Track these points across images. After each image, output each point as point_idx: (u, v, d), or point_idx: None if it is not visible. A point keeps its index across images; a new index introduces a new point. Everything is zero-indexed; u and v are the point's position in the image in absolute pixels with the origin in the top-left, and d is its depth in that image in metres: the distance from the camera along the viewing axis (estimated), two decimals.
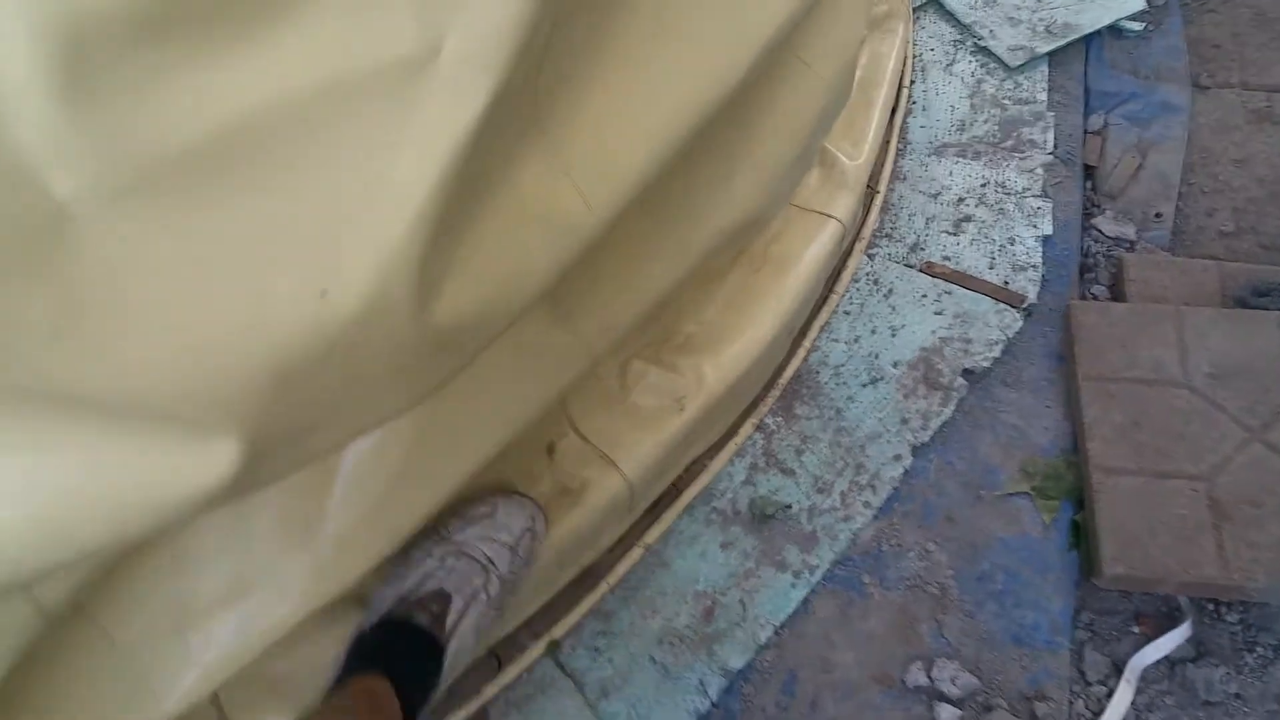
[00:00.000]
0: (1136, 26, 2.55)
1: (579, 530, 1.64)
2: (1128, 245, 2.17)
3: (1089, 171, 2.32)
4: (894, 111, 2.39)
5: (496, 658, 1.76)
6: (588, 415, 1.69)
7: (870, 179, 2.25)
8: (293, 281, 0.79)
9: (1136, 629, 1.71)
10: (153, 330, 0.76)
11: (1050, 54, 2.47)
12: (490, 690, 1.73)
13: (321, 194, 0.78)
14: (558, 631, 1.77)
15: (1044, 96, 2.40)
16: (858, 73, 2.17)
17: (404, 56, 0.75)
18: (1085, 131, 2.37)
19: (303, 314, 0.79)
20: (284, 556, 1.26)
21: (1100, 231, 2.20)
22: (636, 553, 1.84)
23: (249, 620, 1.27)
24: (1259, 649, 1.67)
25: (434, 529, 1.44)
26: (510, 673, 1.74)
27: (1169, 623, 1.70)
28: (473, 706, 1.71)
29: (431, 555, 1.41)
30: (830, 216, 1.95)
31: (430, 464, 1.30)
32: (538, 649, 1.76)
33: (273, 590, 1.27)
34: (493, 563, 1.42)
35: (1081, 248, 2.18)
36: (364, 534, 1.29)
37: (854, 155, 2.05)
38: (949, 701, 1.62)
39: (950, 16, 2.59)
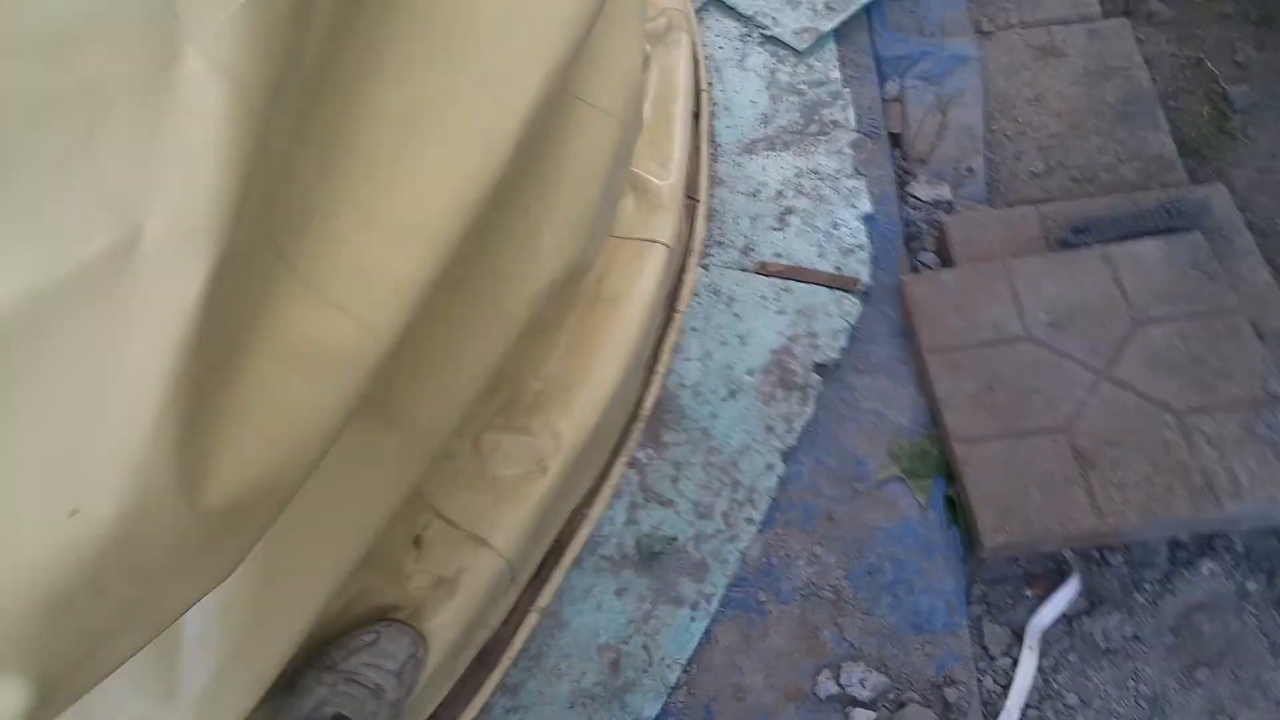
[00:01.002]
0: None
1: (465, 617, 1.59)
2: (946, 206, 2.22)
3: (895, 140, 2.36)
4: (697, 118, 2.38)
5: None
6: (449, 498, 1.64)
7: (689, 190, 2.24)
8: (38, 506, 0.72)
9: (1029, 592, 1.74)
10: None
11: (836, 30, 2.50)
12: None
13: (51, 410, 0.71)
14: (466, 716, 1.72)
15: (837, 74, 2.43)
16: (650, 90, 2.16)
17: (102, 250, 0.69)
18: (884, 100, 2.41)
19: (55, 537, 0.73)
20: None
21: (917, 198, 2.24)
22: (532, 618, 1.80)
23: None
24: (1146, 585, 1.72)
25: (320, 657, 1.42)
26: None
27: (1059, 579, 1.74)
28: None
29: (322, 683, 1.40)
30: (654, 241, 1.94)
31: (283, 604, 1.24)
32: None
33: None
34: (381, 689, 1.39)
35: (903, 218, 2.22)
36: (227, 688, 1.21)
37: (664, 175, 2.03)
38: (862, 705, 1.63)
39: (732, 11, 2.60)
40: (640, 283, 1.89)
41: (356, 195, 0.95)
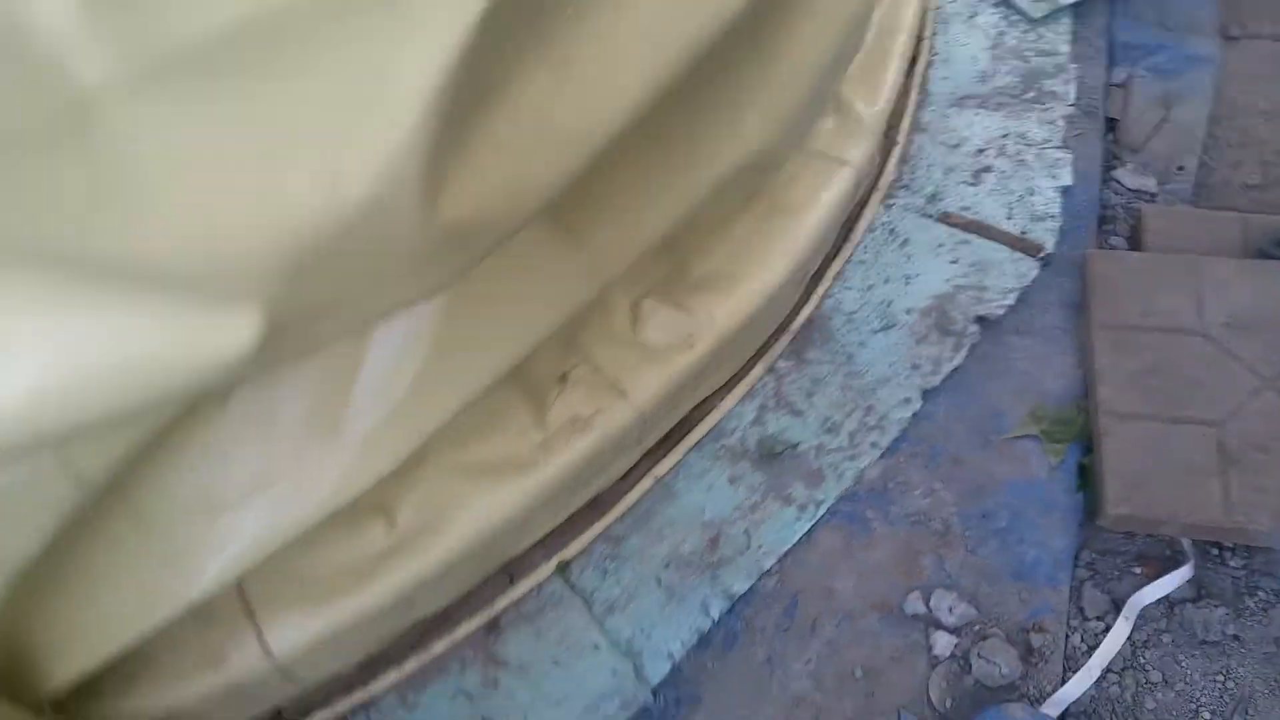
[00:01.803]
0: None
1: (589, 456, 1.70)
2: (1149, 197, 2.18)
3: (1111, 124, 2.32)
4: (914, 63, 2.40)
5: (509, 574, 1.82)
6: (600, 348, 1.74)
7: (889, 129, 2.27)
8: (306, 171, 0.84)
9: (1138, 570, 1.73)
10: (179, 209, 0.82)
11: (1074, 6, 2.47)
12: (502, 603, 1.79)
13: (331, 91, 0.83)
14: (568, 553, 1.83)
15: (1067, 49, 2.40)
16: (875, 22, 2.19)
17: None
18: (1109, 84, 2.37)
19: (316, 202, 0.85)
20: (310, 453, 1.33)
21: (1120, 183, 2.21)
22: (647, 483, 1.90)
23: (274, 512, 1.35)
24: (1260, 593, 1.69)
25: None
26: (521, 588, 1.81)
27: (1171, 566, 1.72)
28: (485, 616, 1.78)
29: None
30: (844, 162, 1.98)
31: (447, 373, 1.36)
32: (549, 568, 1.82)
33: (298, 485, 1.34)
34: None
35: (1101, 199, 2.19)
36: (385, 436, 1.35)
37: (870, 103, 2.07)
38: (945, 629, 1.66)
39: None
40: (821, 198, 1.95)
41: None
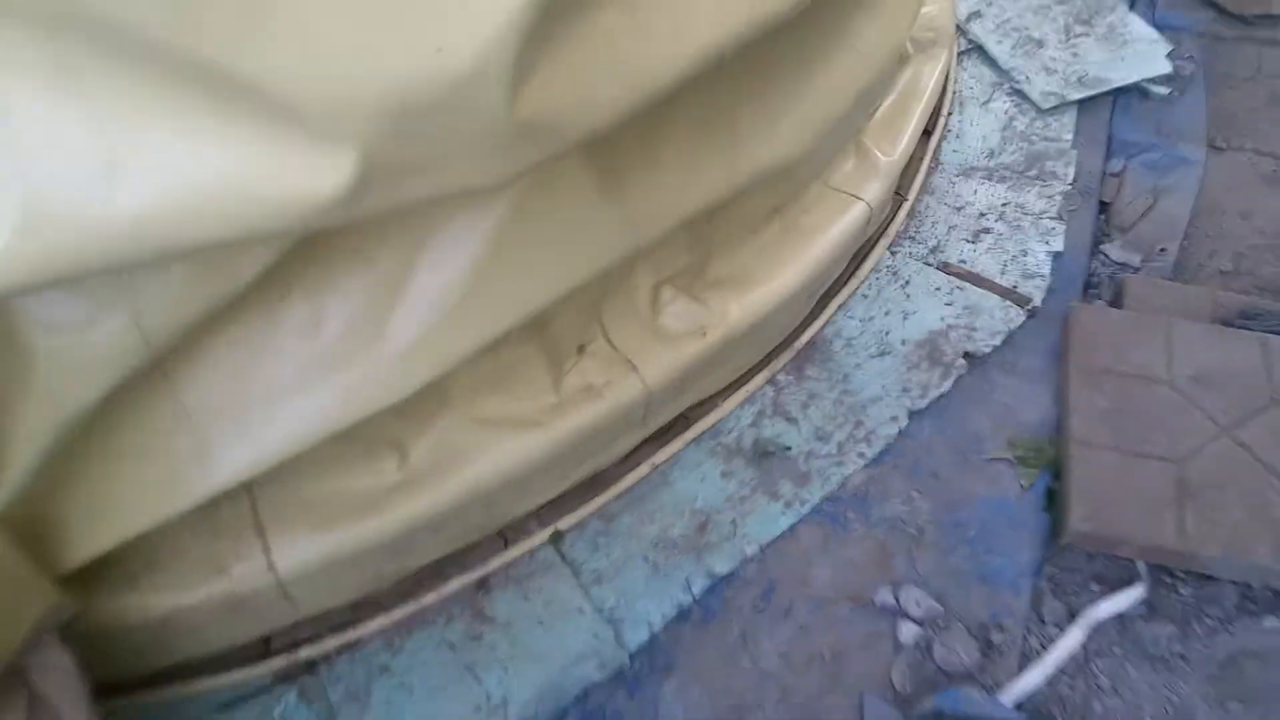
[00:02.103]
0: (1163, 91, 2.77)
1: (596, 424, 1.82)
2: (1132, 270, 2.35)
3: (1104, 207, 2.51)
4: (930, 135, 2.60)
5: (504, 537, 1.92)
6: (618, 326, 1.88)
7: (901, 188, 2.46)
8: (419, 38, 0.99)
9: (1096, 587, 1.84)
10: (311, 47, 0.97)
11: (1080, 102, 2.69)
12: (494, 563, 1.89)
13: None
14: (563, 524, 1.93)
15: (1070, 137, 2.61)
16: (898, 86, 2.40)
17: None
18: (1105, 172, 2.57)
19: (421, 67, 1.00)
20: (351, 357, 1.44)
21: (1107, 256, 2.38)
22: (645, 469, 2.01)
23: (308, 413, 1.45)
24: (1208, 619, 1.80)
25: None
26: (514, 551, 1.90)
27: (1127, 586, 1.83)
28: (476, 574, 1.87)
29: None
30: (859, 199, 2.15)
31: (484, 303, 1.49)
32: (542, 535, 1.92)
33: (336, 387, 1.45)
34: None
35: (1088, 267, 2.36)
36: (422, 352, 1.47)
37: (888, 153, 2.26)
38: (912, 620, 1.76)
39: (992, 62, 2.83)
40: (837, 226, 2.11)
41: None
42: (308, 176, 1.00)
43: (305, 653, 1.80)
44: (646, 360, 1.85)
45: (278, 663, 1.80)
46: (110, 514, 1.49)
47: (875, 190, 2.19)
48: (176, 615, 1.63)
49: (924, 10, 2.61)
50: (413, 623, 1.85)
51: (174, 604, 1.62)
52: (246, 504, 1.67)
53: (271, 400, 1.45)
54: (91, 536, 1.49)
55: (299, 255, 1.35)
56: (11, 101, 0.96)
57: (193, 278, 1.21)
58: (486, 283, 1.47)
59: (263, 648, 1.81)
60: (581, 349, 1.86)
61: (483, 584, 1.88)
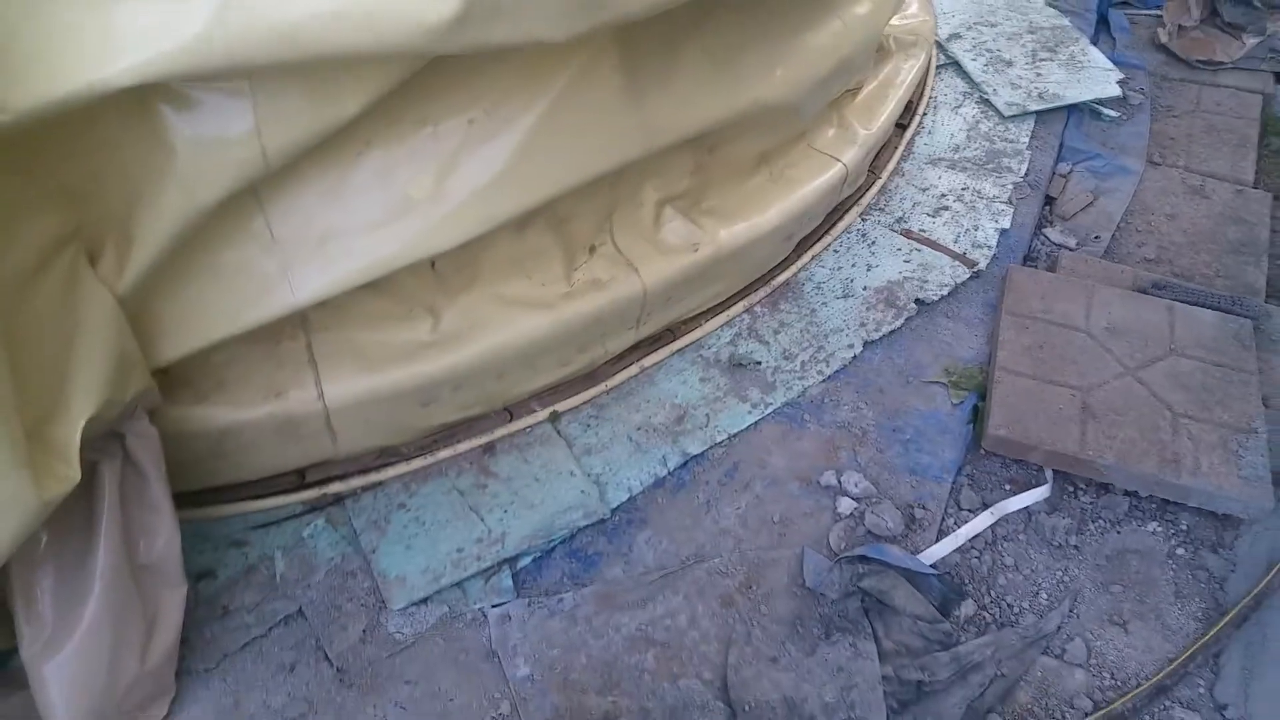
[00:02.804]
0: (1113, 114, 3.16)
1: (598, 313, 2.15)
2: (1068, 250, 2.71)
3: (1050, 200, 2.88)
4: (905, 128, 2.98)
5: (509, 412, 2.24)
6: (625, 235, 2.22)
7: (875, 167, 2.84)
8: None
9: (1008, 487, 2.17)
10: None
11: (1039, 113, 3.07)
12: (500, 432, 2.21)
13: None
14: (561, 406, 2.26)
15: (1026, 140, 2.99)
16: (882, 73, 2.78)
17: None
18: (1054, 172, 2.95)
19: None
20: (413, 207, 1.77)
21: (1048, 237, 2.75)
22: (634, 369, 2.34)
23: (374, 248, 1.78)
24: (1101, 521, 2.13)
25: None
26: (517, 425, 2.22)
27: (1035, 488, 2.16)
28: (484, 439, 2.19)
29: None
30: (838, 160, 2.52)
31: (522, 177, 1.82)
32: (543, 414, 2.24)
33: (399, 230, 1.77)
34: None
35: (1030, 244, 2.73)
36: (469, 210, 1.80)
37: (867, 126, 2.63)
38: (849, 496, 2.09)
39: (966, 76, 3.22)
40: (816, 181, 2.48)
41: None
42: (429, 2, 1.35)
43: (334, 488, 2.11)
44: (646, 265, 2.19)
45: (309, 494, 2.11)
46: (197, 322, 1.80)
47: (852, 156, 2.55)
48: (235, 430, 1.94)
49: (908, 17, 3.02)
50: (428, 472, 2.16)
51: (235, 419, 1.93)
52: (304, 341, 1.98)
53: (346, 235, 1.78)
54: (179, 339, 1.80)
55: (381, 115, 1.70)
56: None
57: (307, 103, 1.55)
58: (526, 160, 1.82)
59: (298, 479, 2.12)
60: (593, 249, 2.20)
61: (489, 448, 2.20)
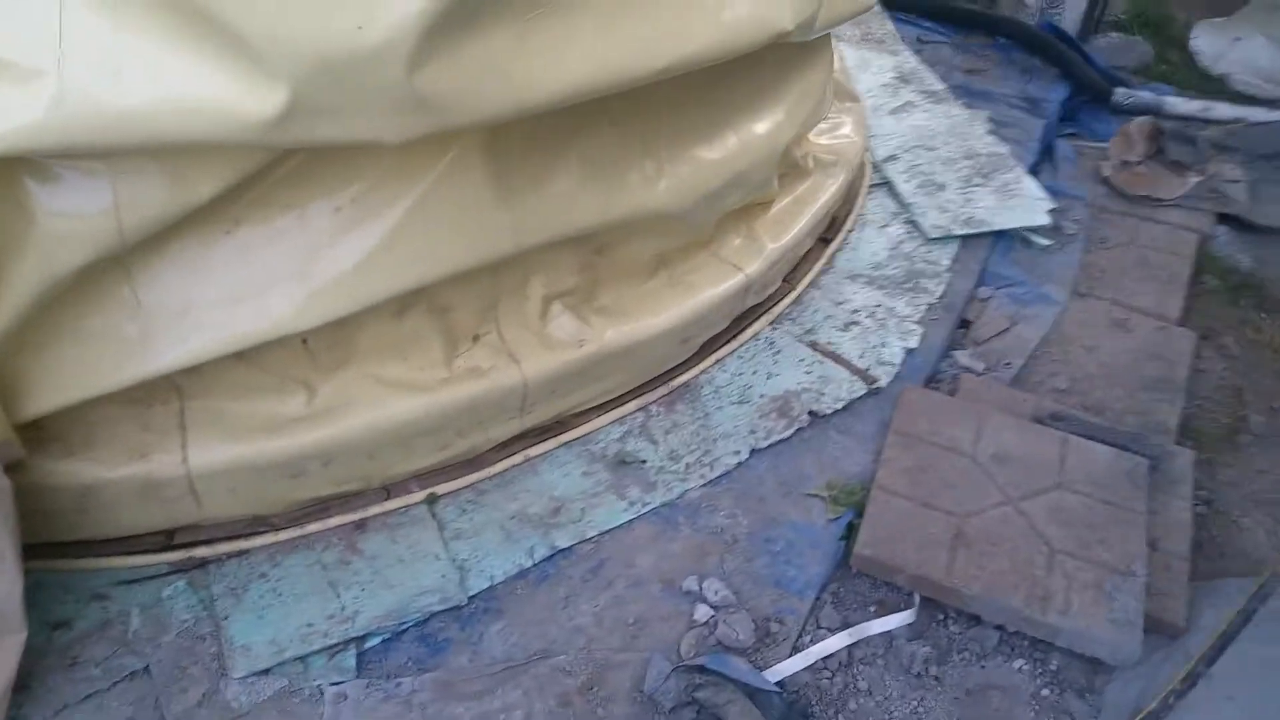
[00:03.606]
0: (1044, 242, 3.21)
1: (475, 400, 2.18)
2: (975, 374, 2.73)
3: (965, 324, 2.91)
4: (829, 242, 3.04)
5: (387, 490, 2.25)
6: (510, 326, 2.26)
7: (791, 278, 2.88)
8: (346, 9, 1.40)
9: (873, 609, 2.15)
10: None
11: (964, 237, 3.12)
12: (374, 510, 2.22)
13: None
14: (440, 489, 2.27)
15: (947, 263, 3.03)
16: (797, 192, 2.84)
17: None
18: (974, 296, 2.98)
19: (346, 31, 1.41)
20: (275, 286, 1.82)
21: (955, 359, 2.77)
22: (518, 458, 2.35)
23: (233, 324, 1.83)
24: (966, 653, 2.09)
25: None
26: (393, 504, 2.23)
27: (900, 612, 2.14)
28: (356, 516, 2.20)
29: None
30: (741, 270, 2.56)
31: (388, 265, 1.87)
32: (420, 495, 2.25)
33: (259, 307, 1.82)
34: None
35: (937, 365, 2.74)
36: (334, 293, 1.85)
37: (775, 240, 2.68)
38: (707, 604, 2.07)
39: (897, 197, 3.29)
40: (714, 290, 2.53)
41: None
42: (253, 99, 1.41)
43: (201, 552, 2.12)
44: (528, 357, 2.23)
45: (175, 555, 2.11)
46: (59, 380, 1.85)
47: (757, 267, 2.60)
48: (98, 487, 1.97)
49: (837, 137, 3.10)
50: (296, 544, 2.16)
51: (98, 476, 1.97)
52: (177, 407, 2.03)
53: (207, 308, 1.83)
54: (41, 396, 1.85)
55: (246, 198, 1.76)
56: (67, 12, 1.38)
57: (162, 185, 1.62)
58: (391, 249, 1.87)
59: (165, 540, 2.13)
60: (476, 339, 2.24)
61: (360, 525, 2.21)
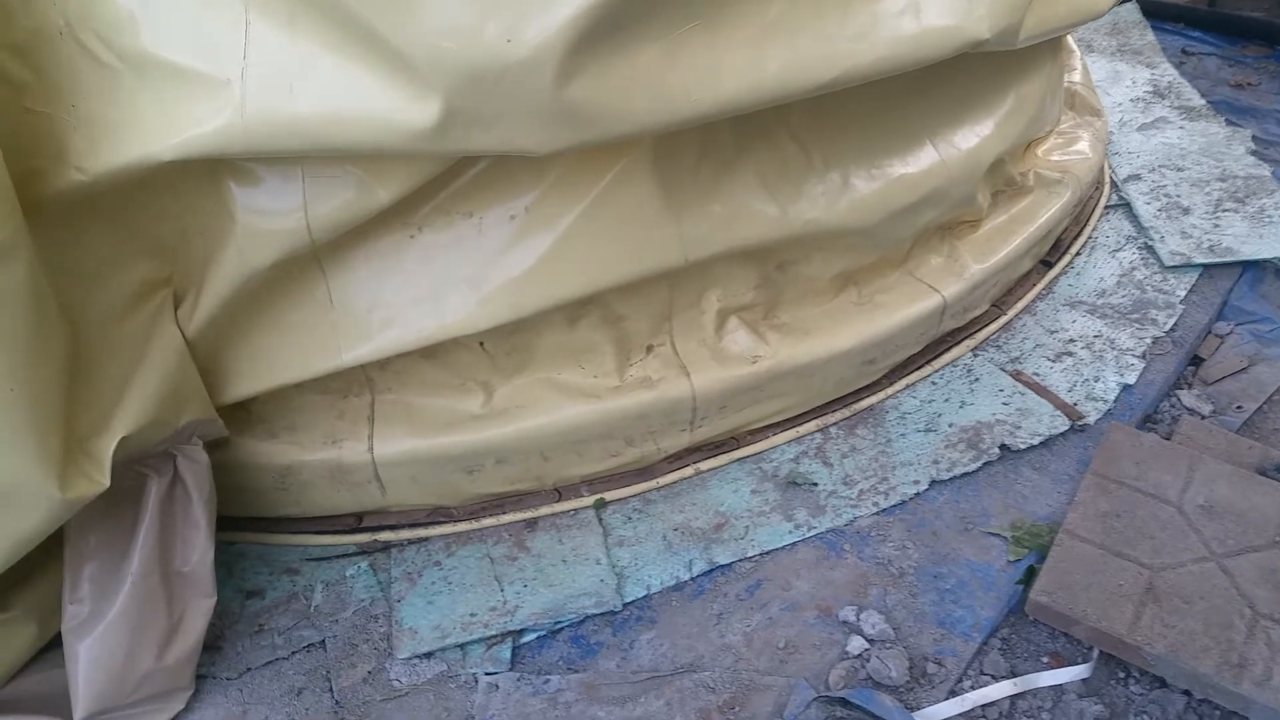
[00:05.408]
0: None
1: (644, 410, 2.20)
2: (1200, 417, 2.47)
3: (1196, 362, 2.64)
4: (1051, 265, 2.85)
5: (559, 492, 2.33)
6: (685, 339, 2.27)
7: (1002, 303, 2.72)
8: (497, 23, 1.47)
9: (1045, 660, 2.00)
10: (426, 12, 1.48)
11: (1206, 267, 2.83)
12: (544, 510, 2.30)
13: None
14: (609, 495, 2.32)
15: (1182, 293, 2.76)
16: (1012, 210, 2.68)
17: None
18: (1209, 332, 2.70)
19: (496, 44, 1.47)
20: (452, 291, 1.93)
21: (1179, 400, 2.52)
22: (689, 471, 2.36)
23: (414, 324, 1.95)
24: (1145, 716, 1.90)
25: None
26: (563, 505, 2.30)
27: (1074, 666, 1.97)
28: (528, 514, 2.29)
29: None
30: (937, 291, 2.45)
31: (556, 273, 1.94)
32: (589, 499, 2.31)
33: (445, 305, 1.94)
34: None
35: (1156, 404, 2.50)
36: (506, 296, 1.94)
37: (979, 261, 2.54)
38: (864, 636, 1.99)
39: (1135, 220, 3.02)
40: (907, 310, 2.42)
41: None
42: (411, 110, 1.51)
43: (384, 536, 2.28)
44: (699, 370, 2.23)
45: (362, 538, 2.28)
46: (261, 367, 2.04)
47: (956, 289, 2.47)
48: (296, 468, 2.16)
49: (1070, 153, 2.90)
50: (470, 537, 2.28)
51: (296, 458, 2.16)
52: (368, 399, 2.19)
53: (392, 307, 1.96)
54: (243, 381, 2.05)
55: (428, 204, 1.88)
56: (251, 28, 1.53)
57: (344, 190, 1.76)
58: (560, 257, 1.93)
59: (355, 522, 2.31)
60: (650, 349, 2.26)
61: (531, 524, 2.29)
